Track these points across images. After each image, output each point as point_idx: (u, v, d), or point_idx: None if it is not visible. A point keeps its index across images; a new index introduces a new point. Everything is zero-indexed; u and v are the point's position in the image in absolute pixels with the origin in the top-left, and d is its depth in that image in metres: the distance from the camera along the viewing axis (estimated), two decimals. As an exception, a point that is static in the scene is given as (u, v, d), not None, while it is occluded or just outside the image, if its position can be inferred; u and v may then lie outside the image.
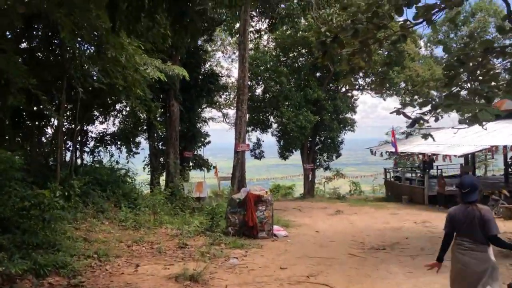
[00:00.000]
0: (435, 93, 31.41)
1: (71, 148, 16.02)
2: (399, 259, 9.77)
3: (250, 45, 26.88)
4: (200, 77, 25.43)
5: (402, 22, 9.29)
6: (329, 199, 29.17)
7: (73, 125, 15.26)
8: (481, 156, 36.68)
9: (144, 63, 12.16)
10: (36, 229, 8.54)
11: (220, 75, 32.00)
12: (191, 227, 13.03)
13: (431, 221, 16.09)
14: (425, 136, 10.54)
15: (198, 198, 18.48)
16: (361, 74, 31.84)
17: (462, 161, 33.14)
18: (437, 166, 29.02)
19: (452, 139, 23.32)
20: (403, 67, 27.48)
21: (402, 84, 30.55)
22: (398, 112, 11.10)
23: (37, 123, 14.23)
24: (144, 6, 5.68)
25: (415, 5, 8.98)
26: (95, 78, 12.39)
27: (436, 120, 9.10)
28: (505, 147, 20.25)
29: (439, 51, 38.42)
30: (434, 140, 10.91)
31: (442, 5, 8.34)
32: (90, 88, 13.12)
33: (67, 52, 11.42)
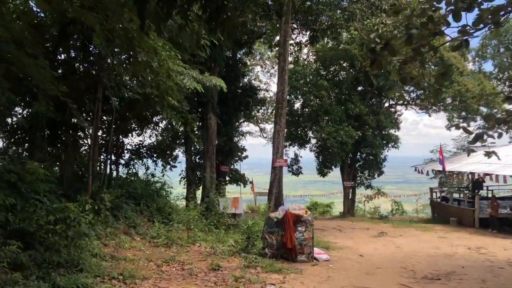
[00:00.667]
0: (484, 110, 29.64)
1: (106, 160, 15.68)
2: (458, 293, 8.62)
3: (290, 58, 26.13)
4: (239, 90, 24.88)
5: (460, 27, 8.28)
6: (370, 219, 27.78)
7: (108, 137, 14.86)
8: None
9: (181, 72, 11.59)
10: (60, 246, 7.94)
11: (259, 88, 31.35)
12: (226, 246, 12.22)
13: (487, 247, 14.63)
14: (488, 154, 9.35)
15: (233, 214, 17.66)
16: (408, 87, 30.44)
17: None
18: (487, 187, 27.11)
19: (506, 159, 21.63)
20: (452, 81, 25.96)
21: (449, 100, 28.92)
22: (457, 126, 9.96)
23: (73, 133, 13.91)
24: (176, 1, 5.02)
25: (477, 8, 7.96)
26: (128, 87, 11.89)
27: (500, 136, 8.02)
28: None
29: (487, 66, 36.54)
30: (499, 158, 9.73)
31: (509, 8, 7.33)
32: (126, 98, 12.67)
33: (101, 60, 10.95)
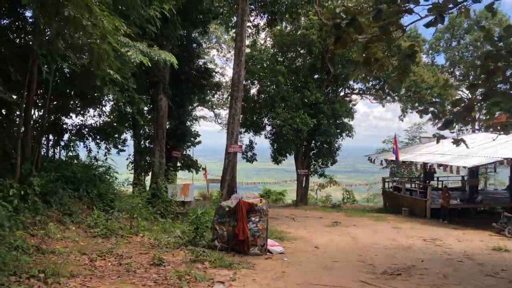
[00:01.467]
0: (438, 101, 29.80)
1: (44, 142, 14.10)
2: (421, 290, 7.93)
3: (247, 42, 25.02)
4: (193, 72, 23.51)
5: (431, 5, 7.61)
6: (322, 207, 27.36)
7: (46, 115, 13.26)
8: (481, 168, 35.04)
9: (126, 44, 10.24)
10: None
11: (214, 72, 30.03)
12: (171, 237, 11.09)
13: (441, 239, 14.27)
14: (456, 142, 8.76)
15: (183, 202, 16.48)
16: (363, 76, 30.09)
17: (462, 173, 31.52)
18: (437, 178, 27.32)
19: (457, 150, 21.60)
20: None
21: (404, 91, 28.80)
22: (425, 111, 9.22)
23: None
24: None
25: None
26: (66, 57, 10.40)
27: (467, 123, 7.41)
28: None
29: (440, 59, 36.87)
30: (467, 147, 9.08)
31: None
32: (63, 71, 11.17)
33: (28, 25, 9.42)
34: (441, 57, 36.73)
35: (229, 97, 22.75)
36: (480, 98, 8.40)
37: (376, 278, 8.52)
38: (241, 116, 23.74)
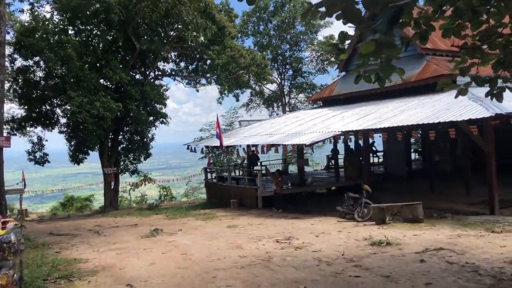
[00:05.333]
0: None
1: None
2: None
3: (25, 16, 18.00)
4: None
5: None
6: (138, 210, 22.01)
7: None
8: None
9: None
10: None
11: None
12: None
13: (294, 236, 10.70)
14: (463, 92, 4.87)
15: None
16: (175, 56, 25.59)
17: (277, 156, 29.76)
18: (261, 163, 24.59)
19: (286, 129, 18.88)
20: (224, 46, 22.15)
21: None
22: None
23: None
24: None
25: None
26: None
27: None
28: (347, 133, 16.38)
29: (248, 43, 34.75)
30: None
31: None
32: None
33: None
34: (250, 41, 34.75)
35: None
36: None
37: None
38: (4, 92, 16.81)
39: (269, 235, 11.09)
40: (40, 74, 22.91)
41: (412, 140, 25.90)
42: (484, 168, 18.08)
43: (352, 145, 22.27)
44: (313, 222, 13.32)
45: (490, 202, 12.03)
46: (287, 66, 36.43)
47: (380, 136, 16.56)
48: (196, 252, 9.43)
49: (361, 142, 19.90)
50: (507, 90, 4.94)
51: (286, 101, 37.71)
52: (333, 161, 25.48)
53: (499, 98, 4.81)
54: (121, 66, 21.91)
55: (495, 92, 4.87)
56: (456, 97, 4.95)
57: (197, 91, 28.15)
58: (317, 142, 15.12)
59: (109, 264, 8.73)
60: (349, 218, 13.58)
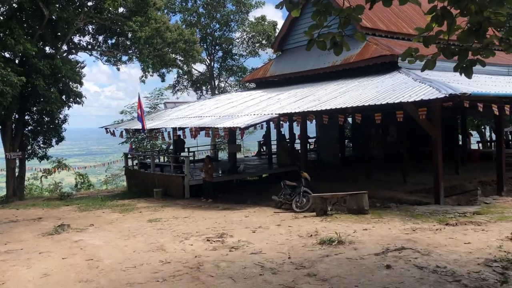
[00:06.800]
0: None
1: None
2: None
3: None
4: None
5: None
6: (47, 200, 19.11)
7: None
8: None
9: None
10: None
11: None
12: None
13: (228, 232, 9.08)
14: (430, 64, 3.29)
15: None
16: (92, 29, 22.60)
17: (205, 141, 28.06)
18: (188, 148, 22.64)
19: (217, 111, 17.13)
20: (148, 18, 19.69)
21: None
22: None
23: None
24: None
25: None
26: None
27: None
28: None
29: (175, 20, 32.22)
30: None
31: None
32: None
33: None
34: (176, 18, 31.99)
35: None
36: None
37: None
38: None
39: (198, 232, 9.37)
40: None
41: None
42: (415, 155, 17.85)
43: (284, 130, 21.13)
44: (247, 213, 11.80)
45: (436, 191, 11.22)
46: (217, 47, 34.45)
47: (311, 123, 15.47)
48: (106, 257, 7.47)
49: (294, 127, 18.76)
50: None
51: (216, 84, 35.79)
52: (264, 147, 24.25)
53: (468, 74, 3.98)
54: (27, 36, 18.76)
55: (464, 65, 3.96)
56: (422, 70, 4.34)
57: (118, 69, 25.35)
58: (253, 125, 13.53)
59: (-15, 276, 6.54)
60: (286, 209, 12.25)
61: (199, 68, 35.33)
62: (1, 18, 19.03)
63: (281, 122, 14.42)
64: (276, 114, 13.39)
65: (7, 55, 19.30)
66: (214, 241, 8.25)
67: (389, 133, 20.92)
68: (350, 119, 18.51)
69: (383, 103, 10.80)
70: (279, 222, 10.12)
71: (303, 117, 13.80)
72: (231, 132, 14.96)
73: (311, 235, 8.15)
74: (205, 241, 8.35)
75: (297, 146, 20.58)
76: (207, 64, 34.79)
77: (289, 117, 14.50)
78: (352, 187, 13.43)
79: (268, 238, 8.32)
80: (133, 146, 29.17)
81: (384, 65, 15.05)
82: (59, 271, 6.73)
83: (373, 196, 12.33)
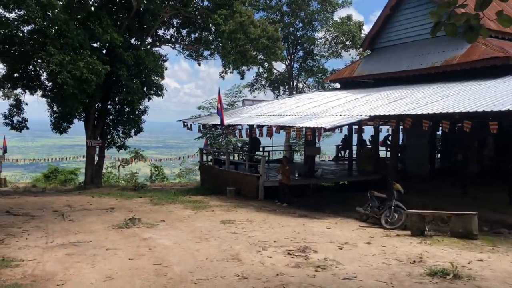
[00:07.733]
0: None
1: None
2: None
3: None
4: None
5: None
6: (121, 190, 19.11)
7: None
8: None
9: None
10: None
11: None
12: None
13: (311, 246, 7.89)
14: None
15: None
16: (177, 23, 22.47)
17: (279, 142, 27.13)
18: (263, 148, 21.71)
19: (298, 110, 16.00)
20: (233, 11, 19.05)
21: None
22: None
23: None
24: None
25: None
26: None
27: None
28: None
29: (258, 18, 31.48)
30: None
31: None
32: None
33: None
34: (260, 15, 31.33)
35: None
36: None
37: None
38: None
39: (277, 241, 8.28)
40: (28, 28, 19.71)
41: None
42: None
43: (365, 136, 19.52)
44: (329, 224, 10.51)
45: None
46: (298, 47, 33.30)
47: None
48: (176, 262, 6.60)
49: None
50: None
51: (294, 84, 34.68)
52: (342, 152, 22.70)
53: None
54: (113, 25, 18.89)
55: None
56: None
57: (199, 64, 24.97)
58: (339, 127, 12.28)
59: (47, 273, 5.93)
60: (372, 223, 10.79)
61: (278, 67, 34.45)
62: (92, 8, 19.36)
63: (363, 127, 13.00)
64: (366, 116, 11.95)
65: (94, 45, 19.61)
66: (296, 256, 7.11)
67: (486, 145, 18.51)
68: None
69: (502, 109, 9.02)
70: (368, 239, 8.74)
71: (398, 121, 12.23)
72: (313, 133, 13.75)
73: (414, 261, 6.73)
74: (285, 254, 7.24)
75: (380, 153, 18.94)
76: (287, 63, 33.79)
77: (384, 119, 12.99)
78: (448, 204, 11.69)
79: (360, 259, 7.02)
80: (208, 142, 28.94)
81: (494, 69, 13.03)
82: (124, 274, 5.95)
83: (478, 218, 10.51)
